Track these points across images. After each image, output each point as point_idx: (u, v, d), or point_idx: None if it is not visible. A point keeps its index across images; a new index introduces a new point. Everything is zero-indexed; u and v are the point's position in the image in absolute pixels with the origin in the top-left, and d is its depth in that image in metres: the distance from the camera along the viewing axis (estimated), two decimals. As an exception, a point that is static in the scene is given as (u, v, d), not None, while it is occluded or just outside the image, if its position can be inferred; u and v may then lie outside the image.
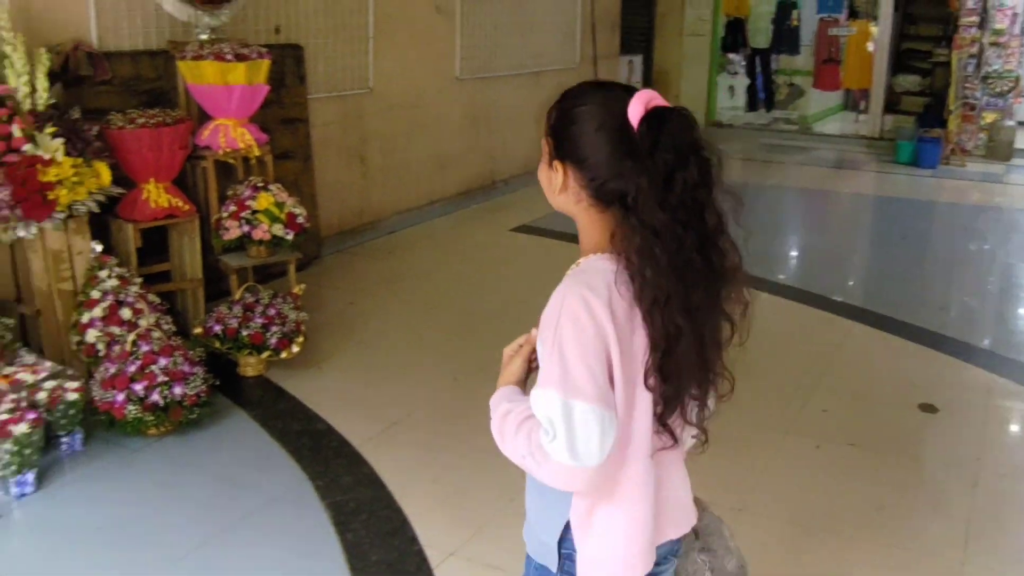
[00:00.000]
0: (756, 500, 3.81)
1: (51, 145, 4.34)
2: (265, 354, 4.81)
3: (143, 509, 3.72)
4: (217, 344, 4.77)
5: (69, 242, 4.50)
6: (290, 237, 5.05)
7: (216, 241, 5.09)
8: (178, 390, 4.12)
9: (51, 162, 4.29)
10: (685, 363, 1.69)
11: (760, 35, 15.01)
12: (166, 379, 4.12)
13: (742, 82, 15.44)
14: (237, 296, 4.93)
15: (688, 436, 1.84)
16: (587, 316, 1.64)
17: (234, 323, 4.75)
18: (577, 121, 1.75)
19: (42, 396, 3.98)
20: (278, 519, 3.65)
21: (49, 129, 4.37)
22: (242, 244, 5.06)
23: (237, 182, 5.25)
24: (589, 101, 1.76)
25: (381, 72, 7.49)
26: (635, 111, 1.67)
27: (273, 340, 4.77)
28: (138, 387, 4.07)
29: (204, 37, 5.30)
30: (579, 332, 1.64)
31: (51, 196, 4.27)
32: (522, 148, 9.46)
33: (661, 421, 1.73)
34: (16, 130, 4.28)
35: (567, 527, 1.79)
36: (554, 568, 1.83)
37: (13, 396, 3.89)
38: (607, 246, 1.73)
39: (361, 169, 7.54)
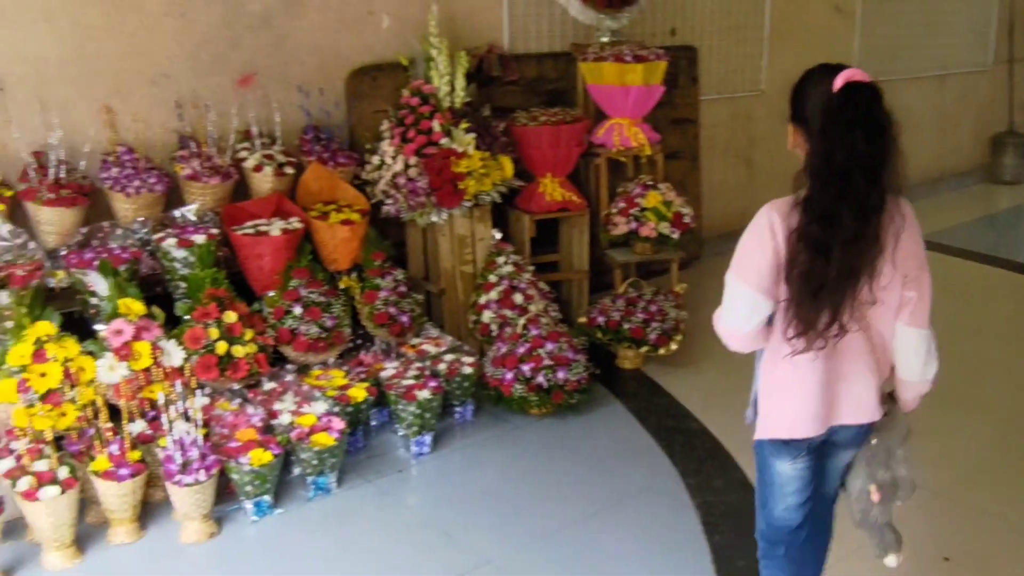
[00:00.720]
0: None
1: (464, 139, 4.73)
2: (644, 348, 4.90)
3: (521, 482, 3.94)
4: (599, 335, 4.93)
5: (473, 229, 4.88)
6: (675, 236, 5.09)
7: (604, 235, 5.26)
8: (561, 374, 4.31)
9: (463, 155, 4.68)
10: (809, 281, 2.16)
11: None
12: (551, 363, 4.33)
13: None
14: (620, 290, 5.07)
15: (871, 340, 2.33)
16: (765, 226, 2.24)
17: (616, 316, 4.89)
18: (802, 93, 2.31)
19: (442, 367, 4.36)
20: (647, 511, 3.70)
21: (463, 125, 4.77)
22: (628, 240, 5.19)
23: (627, 179, 5.40)
24: (813, 77, 2.28)
25: (774, 74, 7.34)
26: (837, 84, 2.15)
27: (653, 335, 4.85)
28: (525, 368, 4.31)
29: (605, 39, 5.50)
30: (755, 236, 2.26)
31: (461, 186, 4.65)
32: (924, 155, 8.81)
33: (799, 317, 2.21)
34: (436, 125, 4.72)
35: (758, 394, 2.46)
36: (750, 418, 2.52)
37: (419, 365, 4.30)
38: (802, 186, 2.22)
39: (746, 172, 7.43)
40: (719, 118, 7.10)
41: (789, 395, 2.36)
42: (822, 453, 2.48)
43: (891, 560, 2.58)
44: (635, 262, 5.29)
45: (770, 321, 2.33)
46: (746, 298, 2.27)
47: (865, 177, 2.10)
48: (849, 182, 2.11)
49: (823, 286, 2.17)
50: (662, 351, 4.91)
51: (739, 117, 7.27)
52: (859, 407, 2.39)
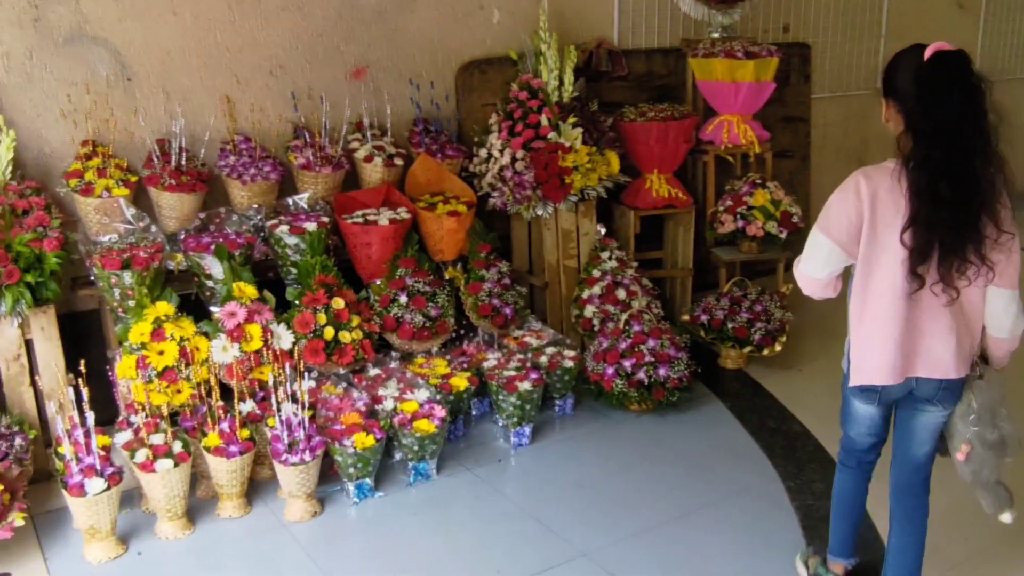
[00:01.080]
0: None
1: (571, 134, 4.74)
2: (747, 348, 4.83)
3: (619, 477, 3.93)
4: (702, 333, 4.89)
5: (578, 223, 4.88)
6: (783, 235, 5.00)
7: (709, 233, 5.21)
8: (662, 371, 4.28)
9: (570, 149, 4.69)
10: (928, 234, 2.40)
11: None
12: (652, 360, 4.30)
13: None
14: (725, 289, 5.01)
15: (947, 300, 2.49)
16: (852, 188, 2.53)
17: (720, 315, 4.83)
18: (895, 67, 2.54)
19: (543, 360, 4.38)
20: (746, 511, 3.65)
21: (571, 119, 4.77)
22: (734, 239, 5.13)
23: (734, 177, 5.33)
24: (904, 54, 2.51)
25: (891, 72, 7.14)
26: (927, 54, 2.40)
27: (757, 336, 4.78)
28: (627, 363, 4.30)
29: (716, 35, 5.44)
30: (842, 196, 2.55)
31: (567, 180, 4.66)
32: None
33: (911, 270, 2.45)
34: (544, 119, 4.74)
35: (850, 345, 2.70)
36: (844, 359, 2.77)
37: (520, 356, 4.33)
38: (895, 154, 2.50)
39: (859, 173, 7.24)
40: (831, 117, 6.94)
41: (871, 348, 2.61)
42: (906, 409, 2.74)
43: (1006, 517, 2.72)
44: (741, 261, 5.21)
45: (846, 280, 2.67)
46: (824, 249, 2.59)
47: (972, 129, 2.37)
48: (957, 136, 2.37)
49: (948, 237, 2.41)
50: (766, 352, 4.83)
51: (853, 116, 7.09)
52: (937, 363, 2.59)
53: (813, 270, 2.64)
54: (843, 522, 3.06)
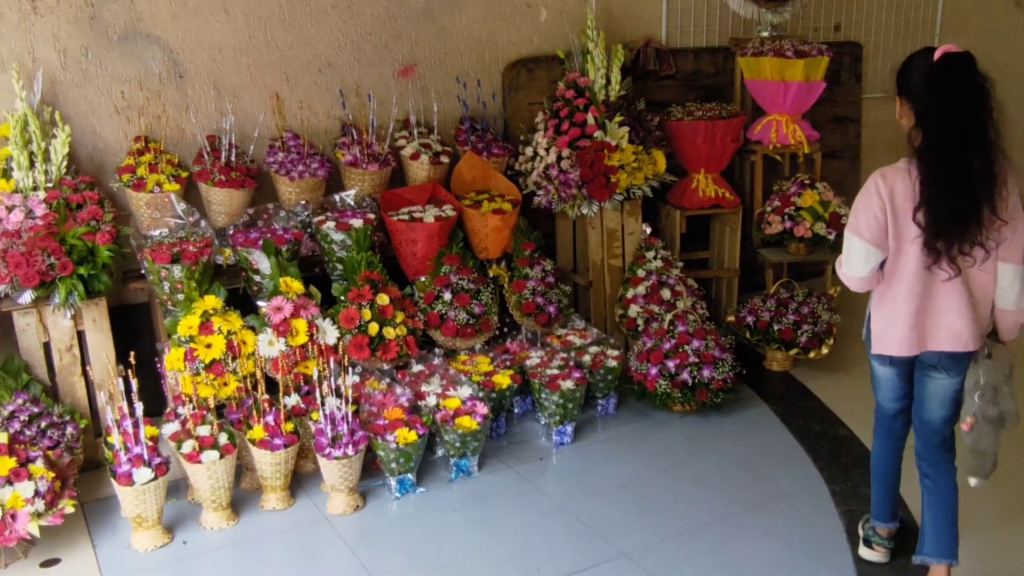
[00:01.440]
0: None
1: (618, 132, 4.73)
2: (793, 351, 4.78)
3: (661, 477, 3.91)
4: (747, 335, 4.84)
5: (623, 222, 4.87)
6: (831, 237, 4.94)
7: (756, 234, 5.16)
8: (707, 372, 4.25)
9: (616, 148, 4.67)
10: (935, 216, 2.68)
11: None
12: (697, 360, 4.27)
13: None
14: (772, 290, 4.95)
15: (960, 276, 2.76)
16: (873, 190, 2.79)
17: (766, 316, 4.79)
18: (907, 69, 2.83)
19: (587, 359, 4.37)
20: (790, 515, 3.61)
21: (617, 118, 4.76)
22: (782, 239, 5.07)
23: (782, 178, 5.27)
24: (916, 56, 2.82)
25: (946, 72, 7.00)
26: (936, 55, 2.66)
27: (803, 338, 4.72)
28: (670, 364, 4.28)
29: (765, 34, 5.38)
30: (865, 199, 2.81)
31: (613, 179, 4.64)
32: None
33: (926, 244, 2.72)
34: (590, 118, 4.73)
35: (870, 315, 3.00)
36: (864, 329, 3.07)
37: (563, 355, 4.33)
38: (909, 152, 2.76)
39: (911, 174, 7.12)
40: (883, 117, 6.82)
41: (890, 323, 2.91)
42: (921, 377, 2.99)
43: (973, 481, 2.98)
44: (788, 262, 5.15)
45: (882, 266, 2.87)
46: (861, 249, 2.83)
47: (975, 123, 2.63)
48: (961, 130, 2.63)
49: (950, 220, 2.68)
50: (812, 354, 4.77)
51: (905, 117, 6.97)
52: (953, 336, 2.84)
53: (856, 270, 2.88)
54: (880, 487, 3.28)
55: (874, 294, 2.97)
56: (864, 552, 3.31)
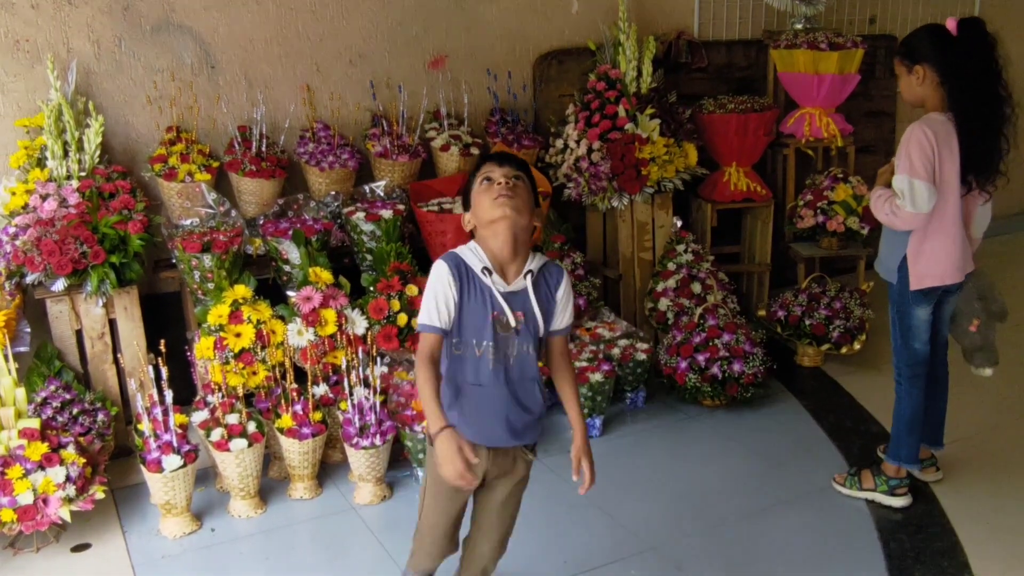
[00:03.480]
0: None
1: (649, 125, 4.69)
2: (824, 346, 4.73)
3: (690, 471, 3.88)
4: (778, 329, 4.80)
5: (653, 215, 4.84)
6: (864, 231, 4.88)
7: (788, 228, 5.10)
8: (737, 367, 4.22)
9: (647, 141, 4.64)
10: (973, 152, 3.20)
11: None
12: (727, 354, 4.24)
13: None
14: (803, 285, 4.90)
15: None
16: (924, 136, 3.17)
17: (798, 311, 4.74)
18: (924, 39, 3.25)
19: (616, 352, 4.34)
20: (819, 511, 3.56)
21: (649, 110, 4.73)
22: (814, 234, 5.01)
23: (815, 171, 5.21)
24: (925, 29, 3.28)
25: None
26: (951, 26, 3.19)
27: (835, 333, 4.67)
28: (700, 358, 4.24)
29: (799, 26, 5.33)
30: (918, 145, 3.17)
31: (644, 172, 4.61)
32: None
33: (963, 179, 3.24)
34: (621, 110, 4.70)
35: (904, 257, 3.37)
36: (895, 281, 3.45)
37: (592, 348, 4.30)
38: (939, 108, 3.23)
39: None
40: (918, 112, 6.73)
41: (943, 254, 3.31)
42: (940, 304, 3.48)
43: (988, 372, 3.60)
44: (820, 257, 5.09)
45: None
46: (924, 188, 3.18)
47: (997, 78, 3.19)
48: (982, 84, 3.17)
49: (982, 159, 3.22)
50: (844, 350, 4.72)
51: (941, 111, 6.88)
52: (971, 258, 3.43)
53: (923, 207, 3.20)
54: (917, 434, 3.57)
55: (914, 236, 3.33)
56: (895, 500, 3.56)
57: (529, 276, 2.37)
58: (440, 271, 2.33)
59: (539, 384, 2.48)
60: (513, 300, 2.36)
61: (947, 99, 3.22)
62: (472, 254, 2.37)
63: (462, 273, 2.33)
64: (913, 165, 3.19)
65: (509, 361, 2.38)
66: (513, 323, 2.35)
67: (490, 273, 2.34)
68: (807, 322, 4.70)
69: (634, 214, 4.81)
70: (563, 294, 2.43)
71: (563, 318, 2.46)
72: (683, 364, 4.26)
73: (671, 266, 4.75)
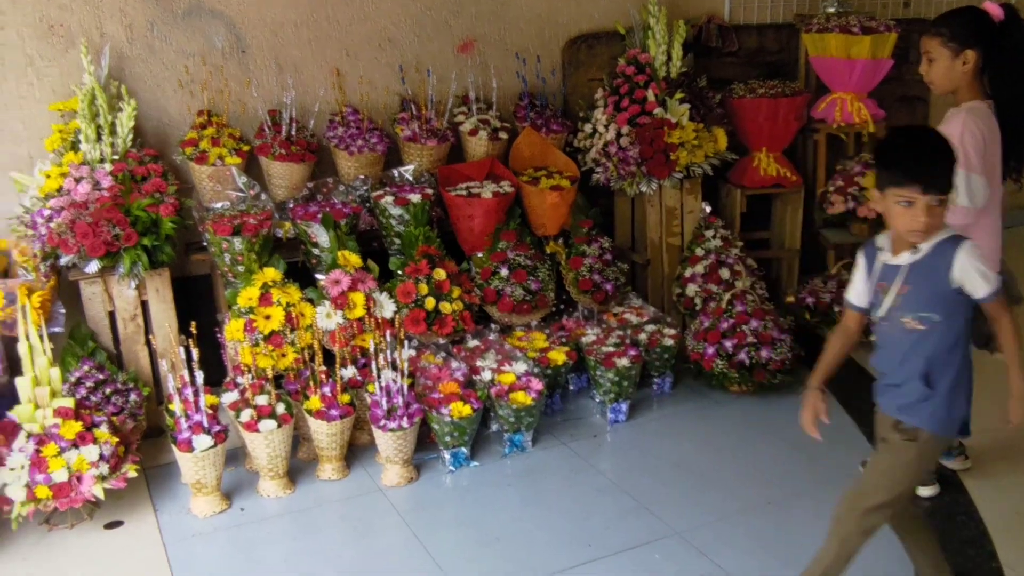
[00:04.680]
0: None
1: (678, 110, 4.67)
2: (853, 333, 4.70)
3: (716, 457, 3.88)
4: (807, 315, 4.77)
5: (682, 200, 4.82)
6: (895, 217, 4.83)
7: (818, 214, 5.07)
8: (764, 353, 4.20)
9: (676, 125, 4.62)
10: (1016, 141, 3.22)
11: None
12: (755, 341, 4.23)
13: None
14: (833, 271, 4.87)
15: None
16: (976, 129, 3.10)
17: (827, 298, 4.71)
18: (970, 23, 3.18)
19: (643, 337, 4.34)
20: (847, 497, 3.56)
21: (678, 95, 4.70)
22: (845, 220, 4.97)
23: (846, 157, 5.17)
24: (968, 12, 3.23)
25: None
26: (995, 12, 3.16)
27: (864, 320, 4.64)
28: (728, 344, 4.23)
29: (831, 10, 5.26)
30: (972, 138, 3.09)
31: (673, 157, 4.60)
32: None
33: (1007, 167, 3.27)
34: (650, 95, 4.68)
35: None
36: None
37: (619, 333, 4.31)
38: (978, 95, 3.19)
39: (981, 156, 6.94)
40: (951, 97, 6.65)
41: (988, 245, 3.15)
42: None
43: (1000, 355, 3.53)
44: (851, 243, 5.05)
45: None
46: (980, 183, 3.13)
47: None
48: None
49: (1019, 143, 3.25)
50: (873, 337, 4.67)
51: (976, 96, 6.79)
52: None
53: (978, 202, 3.15)
54: None
55: (959, 230, 3.36)
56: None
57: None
58: None
59: None
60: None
61: (989, 86, 3.18)
62: None
63: None
64: (969, 159, 3.09)
65: None
66: None
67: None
68: (836, 309, 4.67)
69: (663, 199, 4.79)
70: None
71: None
72: (710, 350, 4.25)
73: (699, 252, 4.73)
